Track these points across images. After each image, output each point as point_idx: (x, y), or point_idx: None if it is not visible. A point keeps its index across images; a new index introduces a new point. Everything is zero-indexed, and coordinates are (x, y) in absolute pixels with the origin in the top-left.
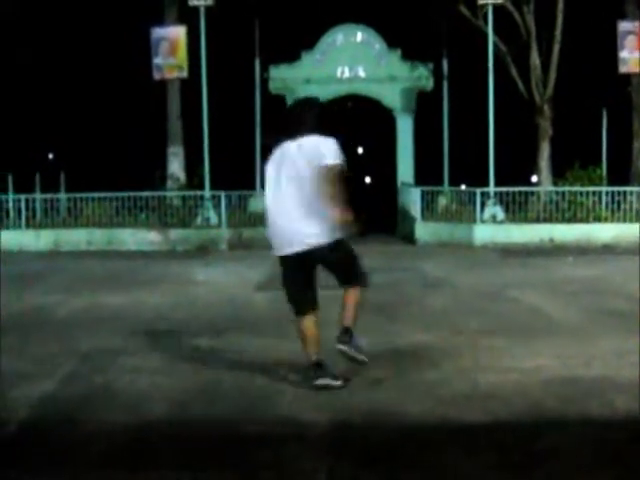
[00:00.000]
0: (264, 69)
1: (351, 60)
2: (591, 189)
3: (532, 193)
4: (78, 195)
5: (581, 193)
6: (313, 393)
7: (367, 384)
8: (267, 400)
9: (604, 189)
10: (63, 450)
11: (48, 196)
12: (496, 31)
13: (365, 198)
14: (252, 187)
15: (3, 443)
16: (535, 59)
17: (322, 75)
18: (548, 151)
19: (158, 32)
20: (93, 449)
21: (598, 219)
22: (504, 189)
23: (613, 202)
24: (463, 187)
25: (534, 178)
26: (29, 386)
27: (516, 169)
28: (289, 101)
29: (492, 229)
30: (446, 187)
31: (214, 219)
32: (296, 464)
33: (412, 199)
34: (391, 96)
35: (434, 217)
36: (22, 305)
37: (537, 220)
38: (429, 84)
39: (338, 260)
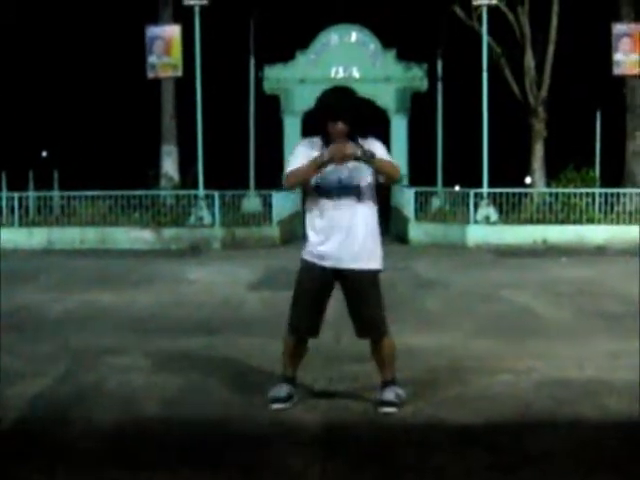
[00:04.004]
0: (259, 69)
1: (346, 60)
2: (584, 191)
3: (525, 194)
4: (71, 193)
5: (574, 194)
6: (306, 393)
7: (359, 385)
8: (260, 399)
9: (597, 191)
10: (56, 449)
11: (41, 194)
12: (491, 32)
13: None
14: (246, 187)
15: None
16: (529, 60)
17: (317, 75)
18: (542, 152)
19: (153, 31)
20: (85, 448)
21: (591, 221)
22: (498, 190)
23: (606, 204)
24: (457, 188)
25: (528, 179)
26: (22, 384)
27: (510, 170)
28: (283, 101)
29: (485, 230)
30: (440, 188)
31: (208, 218)
32: (289, 464)
33: (406, 199)
34: (385, 96)
35: (427, 218)
36: (14, 303)
37: (530, 221)
38: (423, 85)
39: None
